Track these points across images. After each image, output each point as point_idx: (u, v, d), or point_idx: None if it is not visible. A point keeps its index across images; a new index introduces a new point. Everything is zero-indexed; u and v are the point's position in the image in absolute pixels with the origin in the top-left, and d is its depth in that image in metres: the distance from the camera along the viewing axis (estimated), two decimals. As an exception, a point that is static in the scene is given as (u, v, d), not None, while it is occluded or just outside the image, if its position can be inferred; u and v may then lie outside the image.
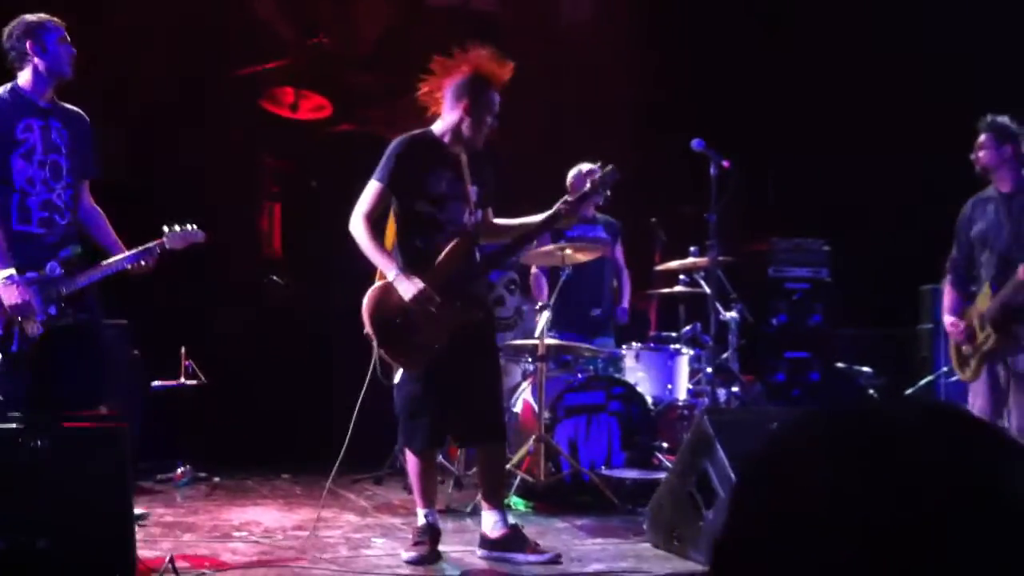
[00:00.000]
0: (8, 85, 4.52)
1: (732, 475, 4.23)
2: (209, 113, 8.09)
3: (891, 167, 8.45)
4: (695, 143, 5.82)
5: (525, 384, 6.36)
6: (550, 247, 6.16)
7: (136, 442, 5.27)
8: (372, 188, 4.55)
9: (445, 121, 4.65)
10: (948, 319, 5.60)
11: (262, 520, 5.37)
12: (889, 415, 0.84)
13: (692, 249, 6.87)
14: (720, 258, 6.25)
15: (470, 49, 4.60)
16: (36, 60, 4.49)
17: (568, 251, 5.92)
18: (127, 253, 4.62)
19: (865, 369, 8.23)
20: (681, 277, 7.04)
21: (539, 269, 6.80)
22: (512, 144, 8.53)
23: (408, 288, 4.40)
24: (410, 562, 4.44)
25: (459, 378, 4.53)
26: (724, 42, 8.91)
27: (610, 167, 4.81)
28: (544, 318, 5.94)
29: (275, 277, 8.47)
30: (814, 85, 8.73)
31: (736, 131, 7.67)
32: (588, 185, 4.84)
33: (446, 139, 4.64)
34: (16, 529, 3.34)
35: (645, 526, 4.99)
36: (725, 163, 5.81)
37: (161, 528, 5.08)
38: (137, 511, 4.66)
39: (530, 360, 6.41)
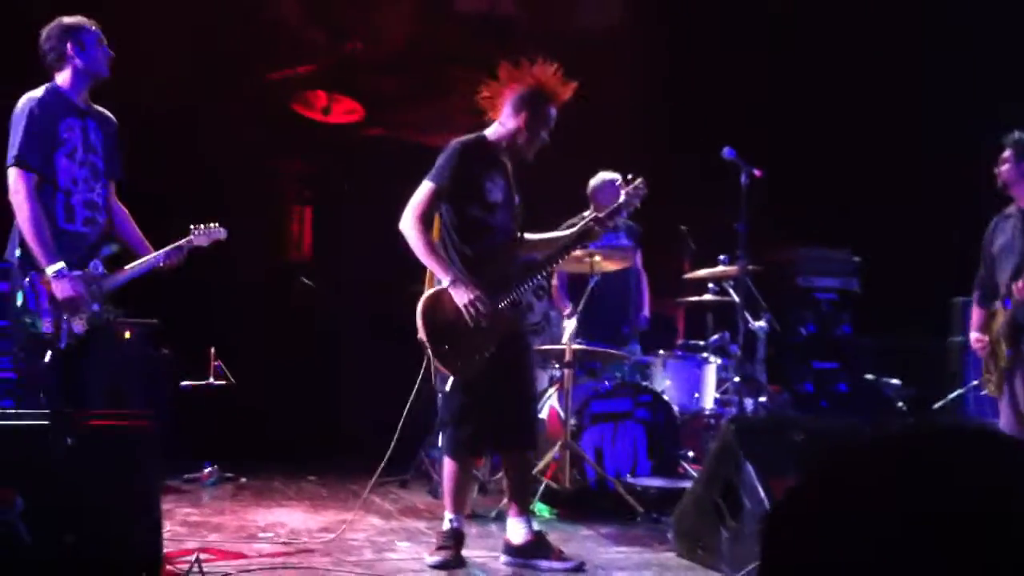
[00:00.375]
0: (47, 85, 4.57)
1: (757, 485, 4.21)
2: (241, 116, 8.14)
3: (923, 178, 8.39)
4: (726, 152, 5.81)
5: (552, 390, 6.36)
6: (579, 253, 6.16)
7: (163, 441, 5.31)
8: (426, 189, 4.52)
9: (503, 128, 4.65)
10: (973, 335, 5.65)
11: (287, 521, 5.40)
12: (925, 437, 0.89)
13: (721, 258, 6.84)
14: (749, 267, 6.23)
15: (537, 62, 4.62)
16: (76, 61, 4.56)
17: (597, 258, 5.92)
18: (160, 251, 4.69)
19: (894, 381, 8.17)
20: (710, 285, 7.02)
21: (560, 279, 6.80)
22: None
23: (465, 294, 4.40)
24: (434, 566, 4.45)
25: (500, 385, 4.52)
26: (753, 49, 8.88)
27: (640, 180, 4.80)
28: (572, 324, 5.94)
29: (304, 279, 8.51)
30: (848, 94, 8.69)
31: (767, 138, 7.64)
32: (623, 197, 4.82)
33: (500, 146, 4.66)
34: (44, 525, 3.37)
35: (670, 535, 4.97)
36: (757, 172, 5.80)
37: (188, 527, 5.12)
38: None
39: (557, 366, 6.41)
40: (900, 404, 7.96)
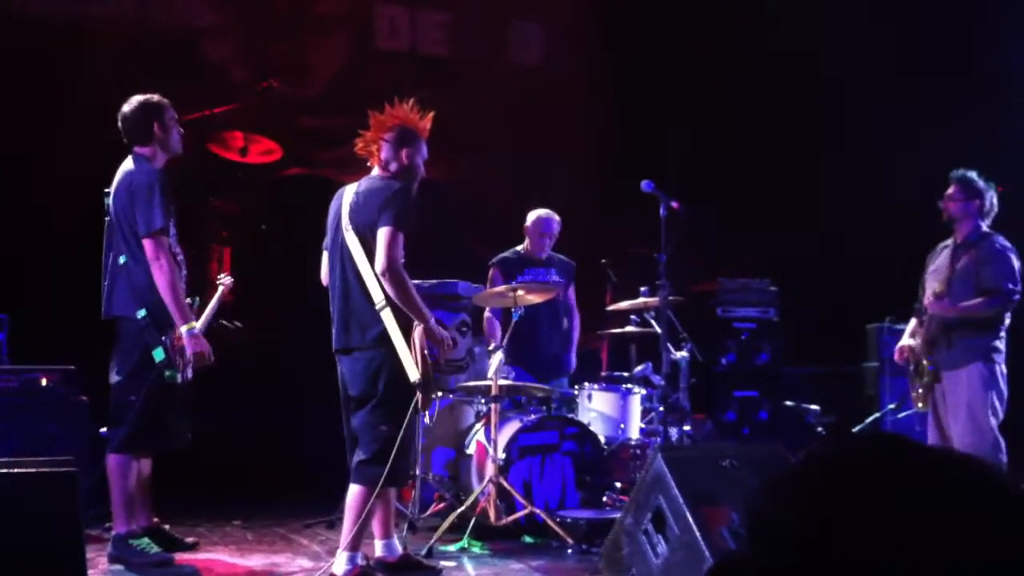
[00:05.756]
0: (143, 155, 4.99)
1: (686, 512, 4.25)
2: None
3: (842, 209, 8.61)
4: (644, 185, 5.91)
5: (478, 425, 6.36)
6: (502, 288, 6.20)
7: (86, 489, 5.21)
8: (400, 238, 4.59)
9: (390, 171, 4.80)
10: (899, 344, 6.05)
11: (213, 567, 5.30)
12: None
13: (643, 289, 6.92)
14: (670, 298, 6.31)
15: (395, 104, 4.85)
16: (160, 139, 5.03)
17: (520, 292, 5.96)
18: (215, 300, 5.85)
19: (813, 407, 8.33)
20: (632, 317, 7.08)
21: (492, 311, 6.82)
22: (463, 183, 8.60)
23: (443, 331, 4.64)
24: None
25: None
26: (675, 83, 9.05)
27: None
28: (497, 359, 5.95)
29: (224, 321, 8.40)
30: (762, 126, 8.89)
31: (686, 171, 7.78)
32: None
33: None
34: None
35: (600, 565, 4.99)
36: (674, 204, 5.91)
37: (111, 576, 5.00)
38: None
39: (483, 401, 6.41)
40: (820, 429, 8.12)
